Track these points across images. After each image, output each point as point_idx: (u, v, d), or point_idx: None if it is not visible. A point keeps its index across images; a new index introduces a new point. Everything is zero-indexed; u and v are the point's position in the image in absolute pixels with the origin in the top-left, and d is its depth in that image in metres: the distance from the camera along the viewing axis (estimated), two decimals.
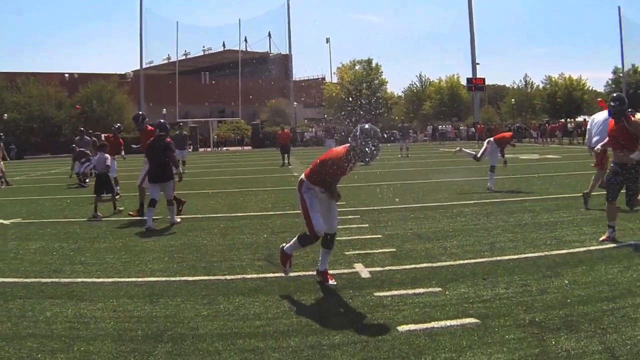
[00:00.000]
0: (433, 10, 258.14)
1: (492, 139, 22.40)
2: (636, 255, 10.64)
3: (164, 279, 10.04)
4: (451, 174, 28.61)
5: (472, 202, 18.13)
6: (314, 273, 9.69)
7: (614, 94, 12.24)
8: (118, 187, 22.37)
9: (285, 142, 42.87)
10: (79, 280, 10.05)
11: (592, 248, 11.30)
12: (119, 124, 28.40)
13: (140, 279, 10.01)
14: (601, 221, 13.47)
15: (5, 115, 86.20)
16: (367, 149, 8.44)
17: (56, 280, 10.10)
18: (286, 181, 28.12)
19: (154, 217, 15.65)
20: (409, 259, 10.75)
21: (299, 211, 9.25)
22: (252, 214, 17.36)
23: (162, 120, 17.32)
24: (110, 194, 18.85)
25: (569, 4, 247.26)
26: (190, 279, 9.96)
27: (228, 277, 9.99)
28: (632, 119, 11.81)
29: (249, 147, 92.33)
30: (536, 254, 10.84)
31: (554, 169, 30.49)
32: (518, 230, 13.31)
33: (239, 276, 10.02)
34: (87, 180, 29.14)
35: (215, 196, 22.44)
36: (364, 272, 9.99)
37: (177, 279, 10.01)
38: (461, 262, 10.46)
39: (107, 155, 18.79)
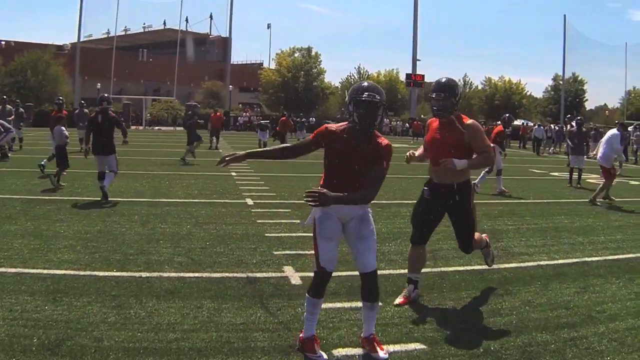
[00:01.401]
0: (378, 4, 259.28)
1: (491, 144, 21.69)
2: (591, 274, 9.92)
3: (72, 272, 8.86)
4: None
5: (409, 202, 17.07)
6: (239, 275, 8.68)
7: (442, 79, 8.67)
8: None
9: (217, 125, 42.93)
10: None
11: (542, 263, 10.55)
12: (60, 97, 26.72)
13: (46, 271, 8.82)
14: (548, 232, 13.09)
15: None
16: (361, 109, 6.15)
17: None
18: (215, 166, 26.90)
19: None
20: (343, 264, 9.10)
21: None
22: (176, 200, 16.27)
23: (105, 94, 17.82)
24: (59, 168, 18.30)
25: (514, 9, 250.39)
26: (101, 274, 8.81)
27: (143, 274, 8.87)
28: (467, 121, 8.40)
29: (182, 128, 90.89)
30: (484, 267, 9.83)
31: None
32: None
33: (155, 274, 8.90)
34: (8, 155, 27.83)
35: (141, 178, 21.20)
36: (294, 277, 9.02)
37: (87, 273, 8.84)
38: (402, 271, 9.29)
39: (63, 128, 18.48)
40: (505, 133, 22.03)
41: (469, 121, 8.38)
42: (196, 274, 8.96)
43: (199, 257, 9.77)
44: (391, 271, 9.48)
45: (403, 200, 17.62)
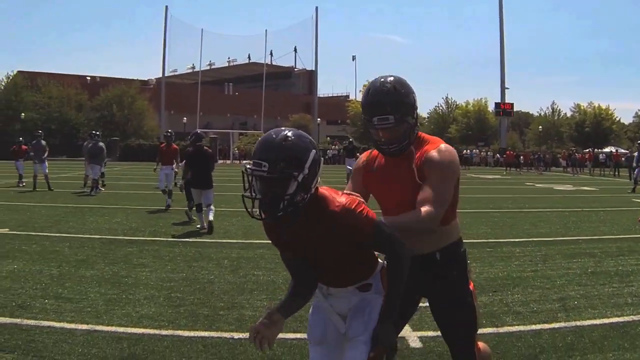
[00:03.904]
0: (461, 34, 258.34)
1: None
2: None
3: (152, 331, 7.71)
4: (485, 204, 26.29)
5: (519, 240, 15.69)
6: None
7: (379, 84, 4.57)
8: (170, 199, 21.84)
9: None
10: (45, 324, 7.82)
11: None
12: (170, 130, 24.01)
13: (122, 329, 7.72)
14: None
15: (23, 114, 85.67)
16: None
17: (17, 321, 7.90)
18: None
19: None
20: None
21: None
22: (269, 242, 14.69)
23: (198, 131, 19.05)
24: (189, 202, 18.74)
25: (599, 33, 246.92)
26: (186, 334, 7.62)
27: (235, 335, 7.57)
28: (434, 146, 4.62)
29: None
30: (622, 319, 8.44)
31: (595, 203, 28.08)
32: (587, 281, 10.90)
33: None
34: (102, 188, 28.82)
35: (230, 216, 19.90)
36: (412, 338, 7.40)
37: (170, 332, 7.67)
38: (533, 327, 8.02)
39: None
40: None
41: (434, 150, 4.60)
42: (297, 335, 7.39)
43: (300, 312, 8.53)
44: (521, 327, 7.99)
45: (514, 238, 16.06)
